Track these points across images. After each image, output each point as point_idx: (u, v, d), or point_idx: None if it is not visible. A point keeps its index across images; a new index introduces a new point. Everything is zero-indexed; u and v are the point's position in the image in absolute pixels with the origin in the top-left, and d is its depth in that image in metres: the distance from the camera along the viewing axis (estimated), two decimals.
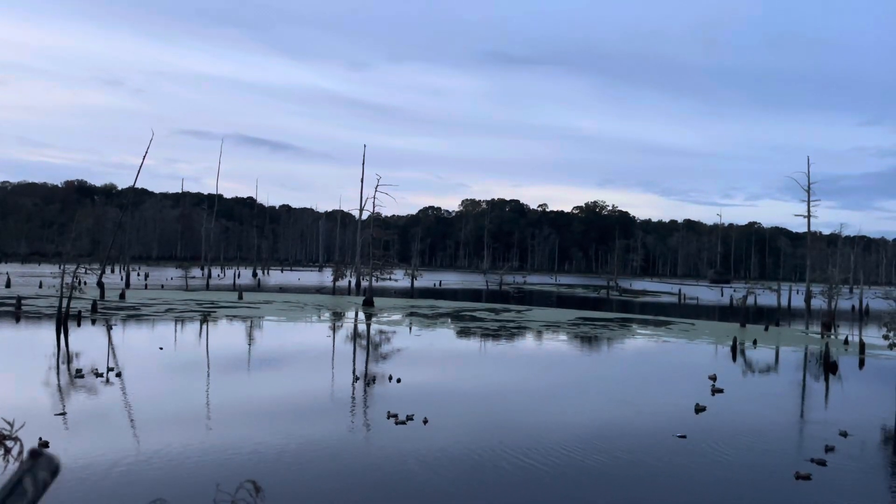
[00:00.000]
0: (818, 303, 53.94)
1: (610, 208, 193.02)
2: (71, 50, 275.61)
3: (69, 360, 22.86)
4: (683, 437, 14.70)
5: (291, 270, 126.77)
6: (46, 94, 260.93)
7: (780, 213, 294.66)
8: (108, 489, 10.53)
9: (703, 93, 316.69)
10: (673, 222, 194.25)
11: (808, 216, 78.40)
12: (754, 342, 32.94)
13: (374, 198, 56.97)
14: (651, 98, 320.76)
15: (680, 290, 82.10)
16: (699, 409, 17.45)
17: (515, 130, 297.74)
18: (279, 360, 24.60)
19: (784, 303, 65.29)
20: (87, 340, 27.64)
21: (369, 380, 20.36)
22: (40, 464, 1.39)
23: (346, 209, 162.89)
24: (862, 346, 30.77)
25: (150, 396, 17.49)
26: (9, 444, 7.69)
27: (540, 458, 12.85)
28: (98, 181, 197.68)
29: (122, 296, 48.06)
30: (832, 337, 36.97)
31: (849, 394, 21.95)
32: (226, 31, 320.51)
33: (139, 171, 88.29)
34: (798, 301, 71.96)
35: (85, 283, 39.72)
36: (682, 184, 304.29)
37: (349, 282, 73.95)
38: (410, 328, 35.74)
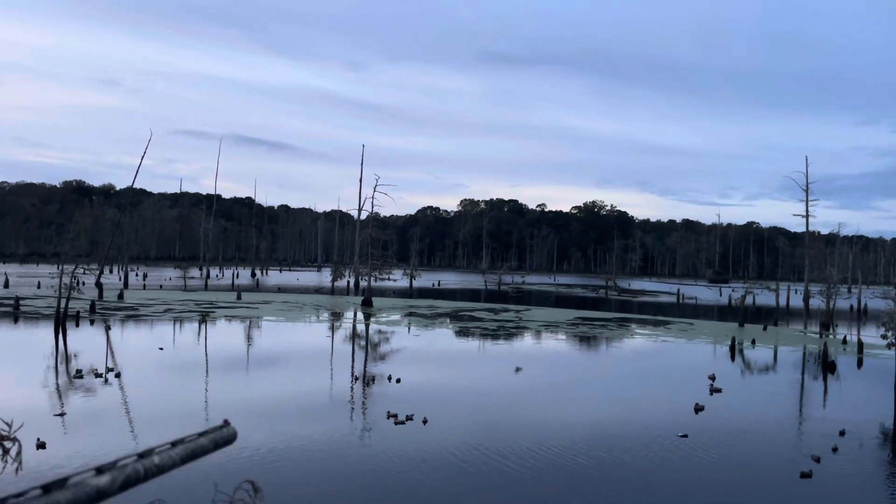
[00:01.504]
0: (817, 302, 53.98)
1: (608, 208, 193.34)
2: (68, 50, 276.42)
3: (68, 361, 22.82)
4: (685, 436, 14.71)
5: (290, 270, 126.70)
6: (44, 94, 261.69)
7: (778, 212, 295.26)
8: None
9: (700, 92, 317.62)
10: (671, 222, 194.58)
11: (807, 216, 78.51)
12: (753, 342, 32.95)
13: (373, 198, 56.98)
14: (649, 98, 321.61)
15: (678, 290, 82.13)
16: (698, 409, 17.47)
17: (513, 130, 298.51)
18: (278, 361, 24.57)
19: (783, 302, 65.33)
20: (86, 341, 27.59)
21: (368, 380, 20.36)
22: (226, 429, 1.76)
23: (344, 209, 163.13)
24: (860, 345, 30.79)
25: (150, 397, 17.47)
26: (7, 444, 7.67)
27: (539, 458, 12.84)
28: (96, 181, 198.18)
29: (120, 296, 48.00)
30: (831, 336, 37.00)
31: (847, 393, 21.96)
32: (223, 30, 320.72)
33: (137, 172, 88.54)
34: (797, 301, 72.03)
35: (83, 283, 39.70)
36: (680, 183, 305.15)
37: (348, 282, 73.94)
38: (409, 328, 35.73)
